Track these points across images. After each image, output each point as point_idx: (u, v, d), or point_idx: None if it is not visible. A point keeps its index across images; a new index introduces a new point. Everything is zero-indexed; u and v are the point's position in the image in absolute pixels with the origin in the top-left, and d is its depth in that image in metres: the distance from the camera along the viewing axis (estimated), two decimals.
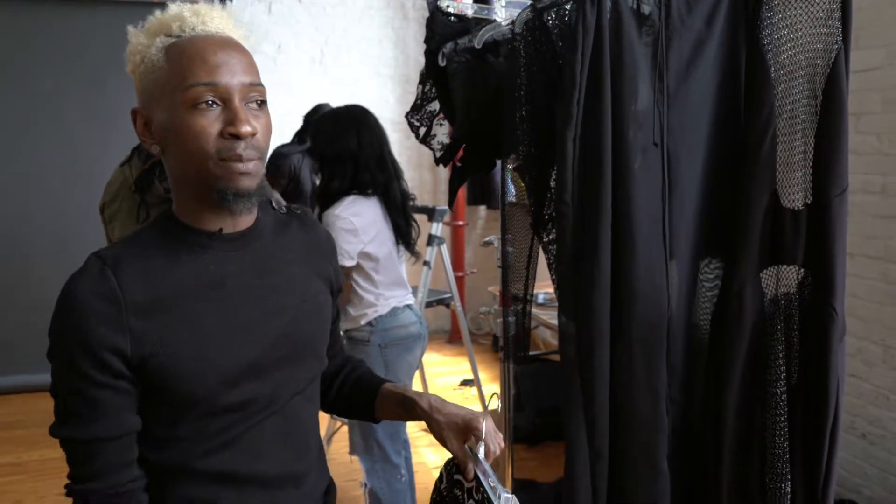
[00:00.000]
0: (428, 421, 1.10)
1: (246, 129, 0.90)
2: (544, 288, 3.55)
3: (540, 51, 1.58)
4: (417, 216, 2.47)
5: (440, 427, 1.08)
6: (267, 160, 0.99)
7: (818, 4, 1.30)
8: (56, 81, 4.26)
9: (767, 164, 1.37)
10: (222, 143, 0.91)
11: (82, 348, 0.88)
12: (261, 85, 0.95)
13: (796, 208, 1.35)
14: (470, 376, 4.53)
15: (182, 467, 0.97)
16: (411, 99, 2.07)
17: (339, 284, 1.19)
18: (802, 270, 1.36)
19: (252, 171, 0.93)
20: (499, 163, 2.01)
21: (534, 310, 3.30)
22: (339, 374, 1.24)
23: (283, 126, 3.75)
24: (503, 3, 1.68)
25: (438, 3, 1.70)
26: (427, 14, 1.72)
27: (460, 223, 5.34)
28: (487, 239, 2.29)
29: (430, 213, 3.40)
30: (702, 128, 1.52)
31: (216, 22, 0.95)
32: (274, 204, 1.11)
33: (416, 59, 5.46)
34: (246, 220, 1.01)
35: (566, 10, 1.57)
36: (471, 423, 1.05)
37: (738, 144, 1.51)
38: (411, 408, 1.12)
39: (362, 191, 2.19)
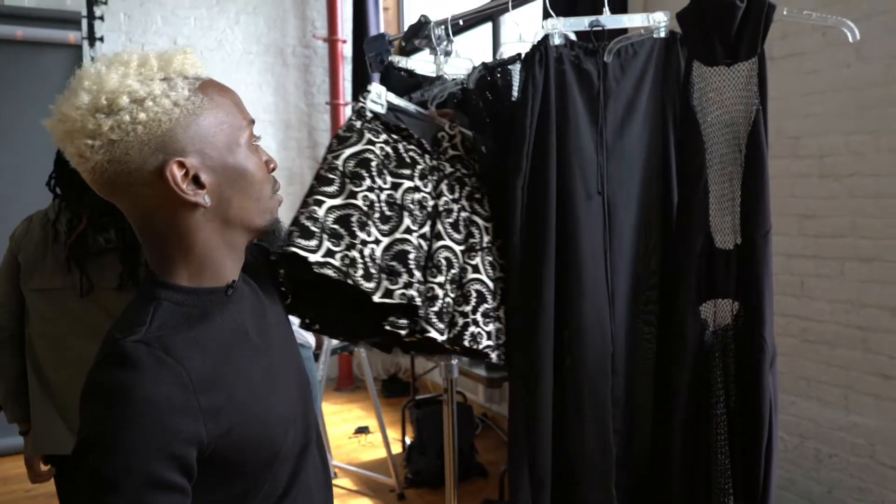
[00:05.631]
0: None
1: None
2: None
3: (489, 106, 1.69)
4: None
5: None
6: None
7: (738, 73, 1.50)
8: None
9: (701, 209, 1.54)
10: (270, 177, 0.95)
11: (153, 448, 0.75)
12: None
13: (728, 248, 1.53)
14: (364, 423, 4.51)
15: None
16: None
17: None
18: (736, 304, 1.53)
19: None
20: None
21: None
22: None
23: None
24: (445, 61, 1.78)
25: (390, 59, 1.77)
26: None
27: None
28: None
29: None
30: (635, 178, 1.69)
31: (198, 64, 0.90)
32: None
33: (296, 105, 5.48)
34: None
35: (511, 69, 1.70)
36: None
37: (668, 192, 1.69)
38: None
39: None
